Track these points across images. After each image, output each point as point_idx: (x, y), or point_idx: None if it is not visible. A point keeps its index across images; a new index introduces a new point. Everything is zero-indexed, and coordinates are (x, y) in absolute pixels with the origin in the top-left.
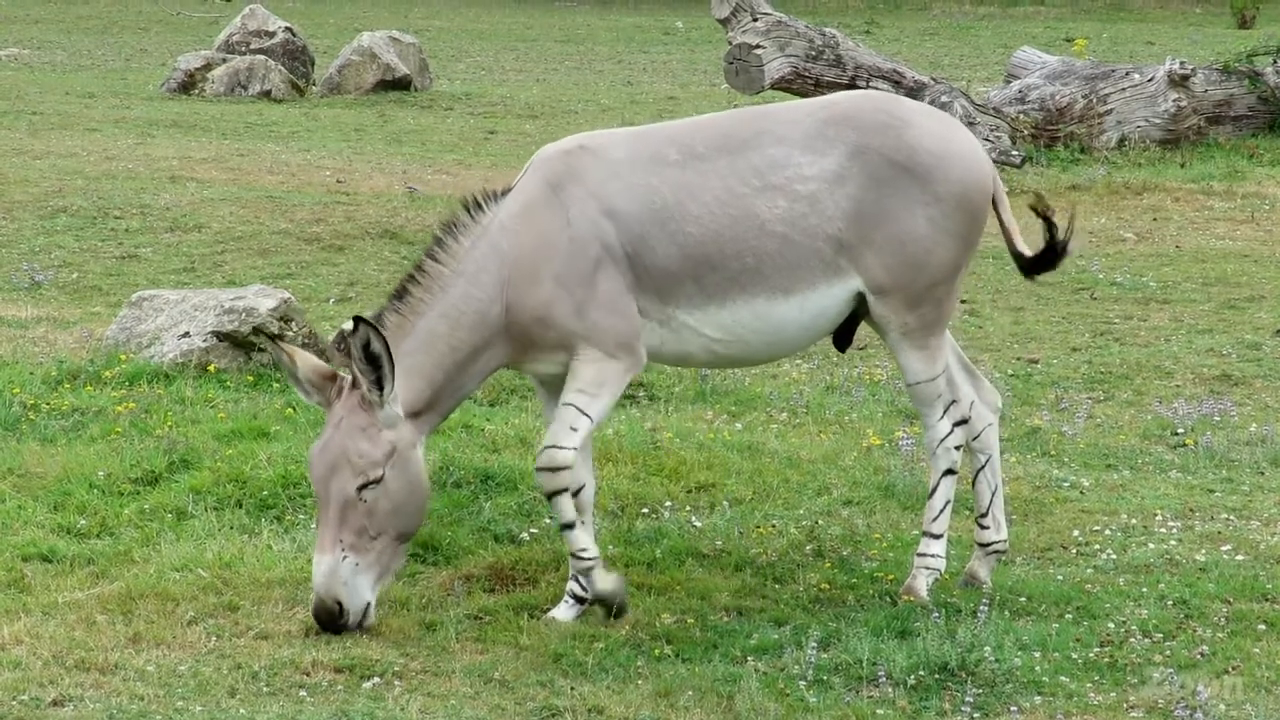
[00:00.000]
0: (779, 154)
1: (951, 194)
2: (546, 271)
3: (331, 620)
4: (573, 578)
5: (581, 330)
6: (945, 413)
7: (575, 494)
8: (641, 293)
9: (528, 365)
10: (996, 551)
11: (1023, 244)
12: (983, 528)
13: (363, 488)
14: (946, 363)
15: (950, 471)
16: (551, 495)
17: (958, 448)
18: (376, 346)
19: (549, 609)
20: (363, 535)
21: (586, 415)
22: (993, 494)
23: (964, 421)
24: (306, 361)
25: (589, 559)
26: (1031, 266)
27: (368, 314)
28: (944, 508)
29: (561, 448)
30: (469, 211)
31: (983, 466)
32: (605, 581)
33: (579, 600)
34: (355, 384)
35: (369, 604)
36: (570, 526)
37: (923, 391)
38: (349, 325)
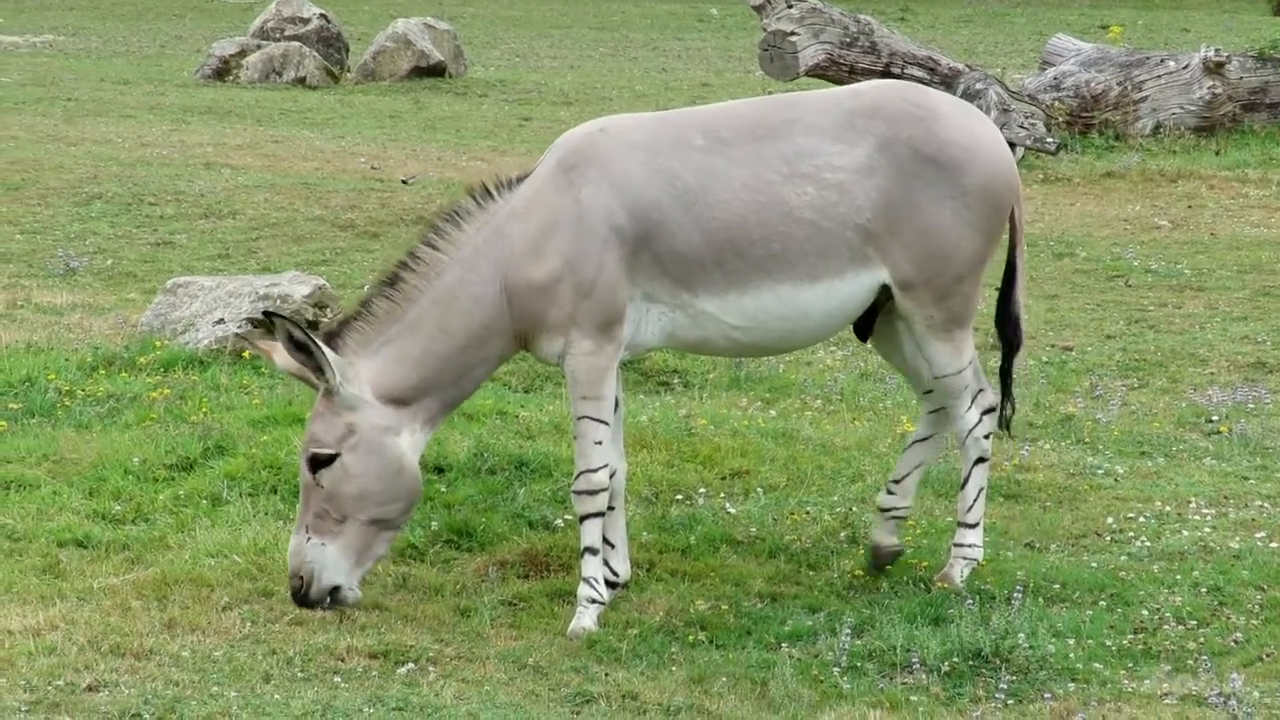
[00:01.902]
0: (808, 143)
1: (978, 186)
2: (552, 248)
3: (296, 593)
4: (584, 581)
5: (582, 310)
6: (973, 402)
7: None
8: (655, 278)
9: (533, 348)
10: (897, 517)
11: (1021, 260)
12: (889, 493)
13: (315, 470)
14: (973, 354)
15: (981, 460)
16: (585, 518)
17: (987, 436)
18: (298, 335)
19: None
20: (324, 517)
21: (602, 421)
22: (915, 468)
23: (992, 410)
24: (285, 355)
25: (597, 594)
26: (1001, 305)
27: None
28: (977, 497)
29: (595, 470)
30: (476, 199)
31: (923, 439)
32: (590, 622)
33: (594, 602)
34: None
35: (339, 586)
36: (594, 552)
37: (950, 383)
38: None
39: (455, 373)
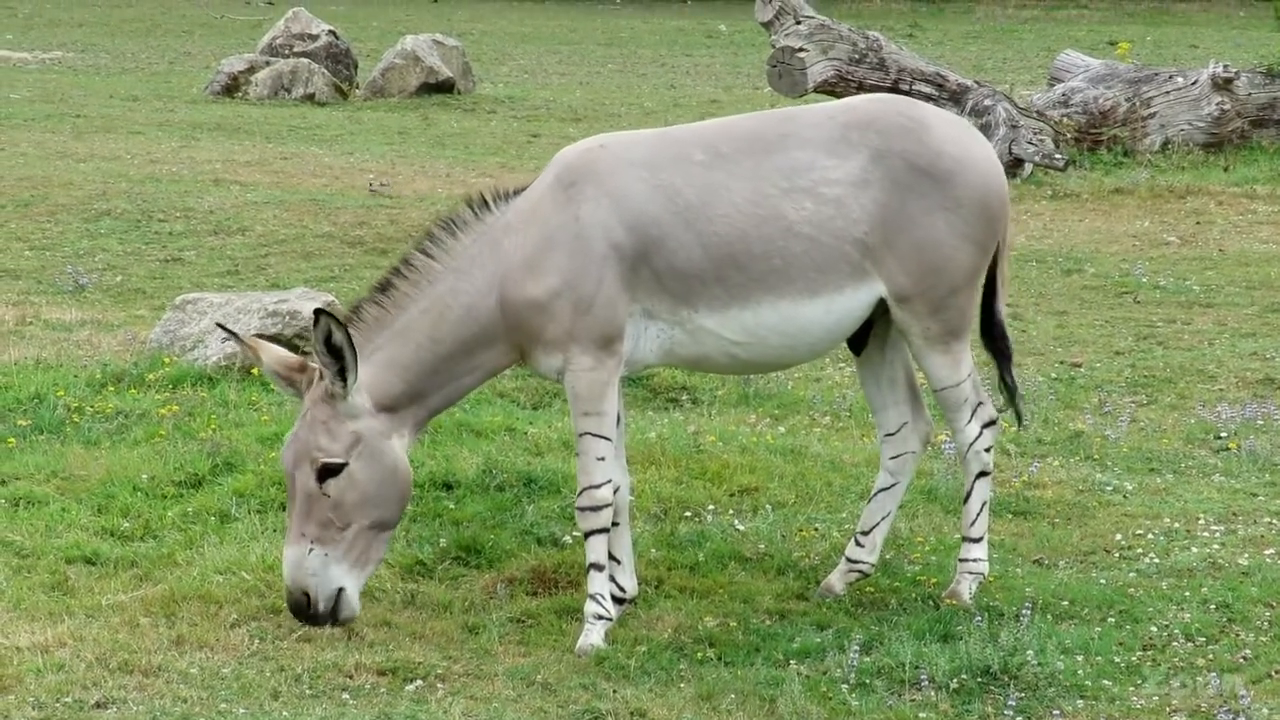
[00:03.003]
0: (804, 157)
1: (971, 199)
2: (551, 265)
3: (301, 610)
4: (591, 598)
5: (581, 326)
6: (973, 415)
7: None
8: (654, 294)
9: (531, 363)
10: (859, 570)
11: (1003, 272)
12: (858, 545)
13: (322, 480)
14: (971, 367)
15: (983, 474)
16: (590, 534)
17: (988, 450)
18: (338, 338)
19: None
20: (328, 527)
21: (603, 438)
22: (882, 519)
23: (992, 423)
24: (273, 354)
25: (604, 610)
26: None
27: (334, 307)
28: (980, 510)
29: (598, 485)
30: (473, 209)
31: (886, 488)
32: (598, 638)
33: (601, 618)
34: (323, 375)
35: (341, 591)
36: (599, 568)
37: (949, 396)
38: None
39: (443, 381)
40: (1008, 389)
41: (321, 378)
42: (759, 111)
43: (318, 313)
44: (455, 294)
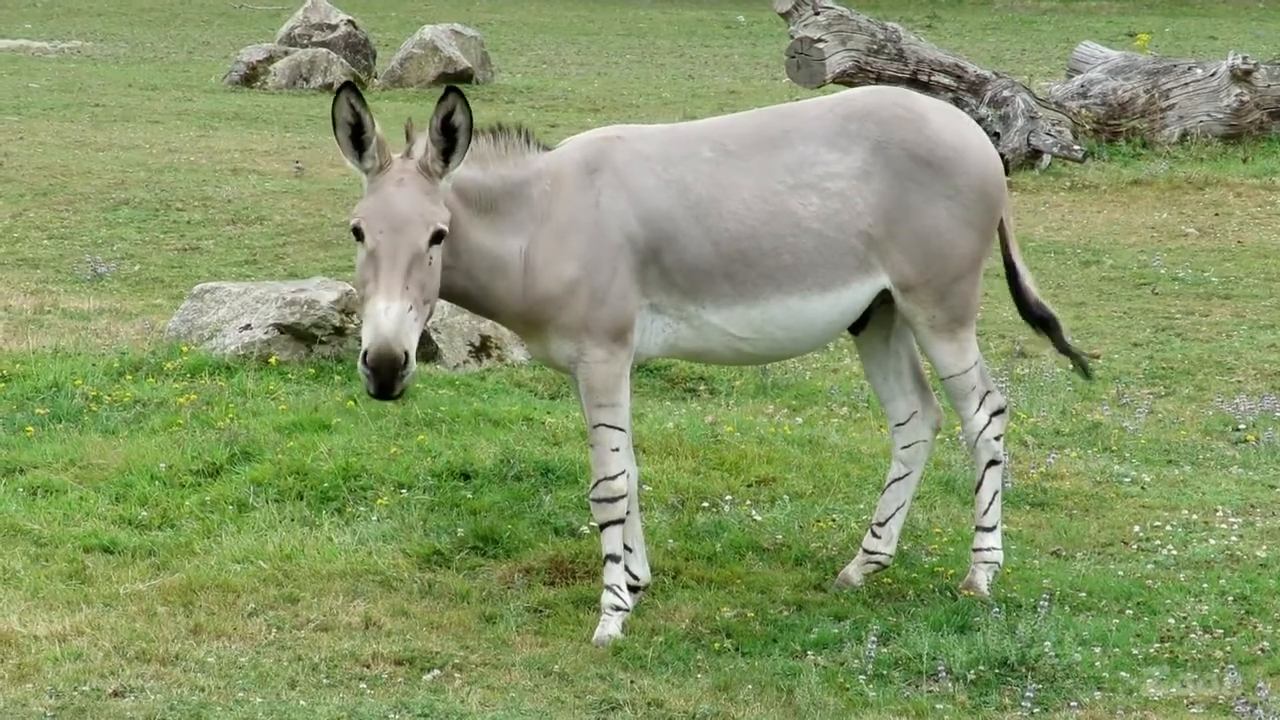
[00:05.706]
0: (808, 152)
1: (970, 186)
2: (571, 249)
3: (395, 370)
4: (607, 589)
5: (594, 318)
6: (981, 404)
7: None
8: (662, 290)
9: (536, 345)
10: (876, 561)
11: (1018, 256)
12: (875, 536)
13: (433, 241)
14: (978, 354)
15: (994, 462)
16: (605, 526)
17: (998, 438)
18: (459, 120)
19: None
20: (424, 291)
21: (618, 429)
22: (897, 509)
23: (1001, 411)
24: (374, 122)
25: (620, 601)
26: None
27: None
28: (993, 500)
29: (613, 477)
30: (523, 138)
31: (900, 478)
32: (615, 629)
33: (618, 609)
34: (408, 155)
35: (410, 357)
36: (615, 560)
37: (956, 384)
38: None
39: (459, 261)
40: (1068, 353)
41: (408, 155)
42: (764, 107)
43: (450, 89)
44: (517, 201)
